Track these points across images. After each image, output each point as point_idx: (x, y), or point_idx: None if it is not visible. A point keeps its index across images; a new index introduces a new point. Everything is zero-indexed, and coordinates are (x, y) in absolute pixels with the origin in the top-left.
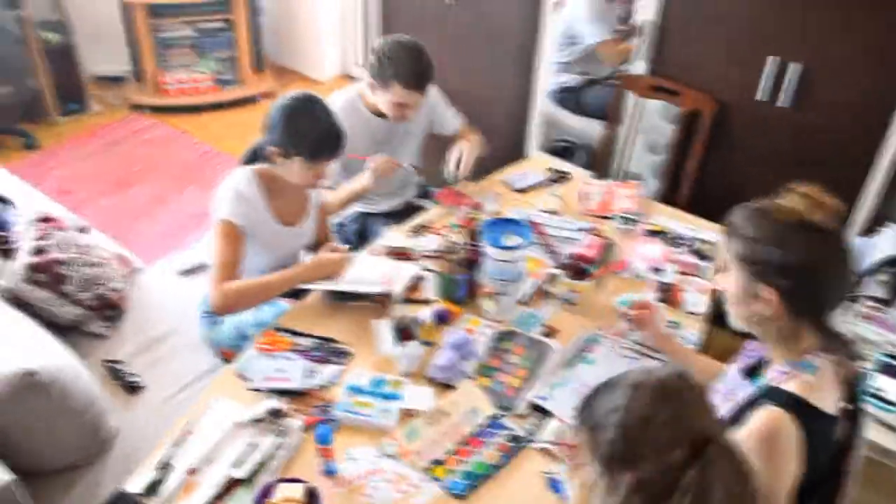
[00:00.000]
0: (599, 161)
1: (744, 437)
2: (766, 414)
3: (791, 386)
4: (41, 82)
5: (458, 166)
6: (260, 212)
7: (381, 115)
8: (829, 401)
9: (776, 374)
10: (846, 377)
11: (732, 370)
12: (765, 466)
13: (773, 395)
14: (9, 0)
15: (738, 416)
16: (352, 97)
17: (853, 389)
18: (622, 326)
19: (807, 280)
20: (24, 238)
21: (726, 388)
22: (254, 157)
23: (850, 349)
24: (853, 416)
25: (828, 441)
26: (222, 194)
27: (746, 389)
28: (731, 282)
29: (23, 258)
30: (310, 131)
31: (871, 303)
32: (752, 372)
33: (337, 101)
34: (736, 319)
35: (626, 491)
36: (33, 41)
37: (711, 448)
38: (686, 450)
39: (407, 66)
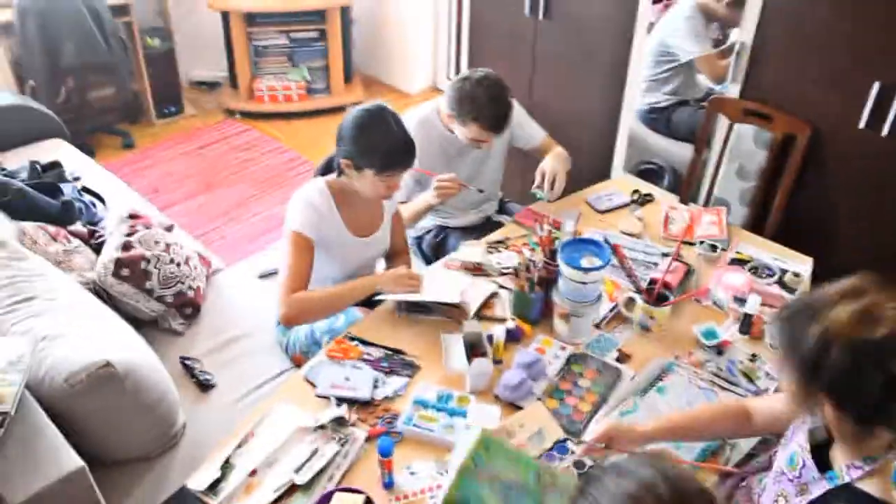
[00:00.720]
0: (686, 185)
1: None
2: None
3: (868, 487)
4: (142, 85)
5: (551, 185)
6: (332, 223)
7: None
8: None
9: (853, 472)
10: None
11: (804, 457)
12: None
13: (851, 497)
14: (118, 8)
15: None
16: (428, 113)
17: None
18: (699, 356)
19: (868, 397)
20: (114, 233)
21: (799, 479)
22: (328, 167)
23: None
24: None
25: None
26: (294, 205)
27: (821, 484)
28: (787, 382)
29: (110, 253)
30: (380, 144)
31: None
32: (823, 460)
33: (414, 117)
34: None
35: None
36: (138, 46)
37: None
38: None
39: (487, 110)
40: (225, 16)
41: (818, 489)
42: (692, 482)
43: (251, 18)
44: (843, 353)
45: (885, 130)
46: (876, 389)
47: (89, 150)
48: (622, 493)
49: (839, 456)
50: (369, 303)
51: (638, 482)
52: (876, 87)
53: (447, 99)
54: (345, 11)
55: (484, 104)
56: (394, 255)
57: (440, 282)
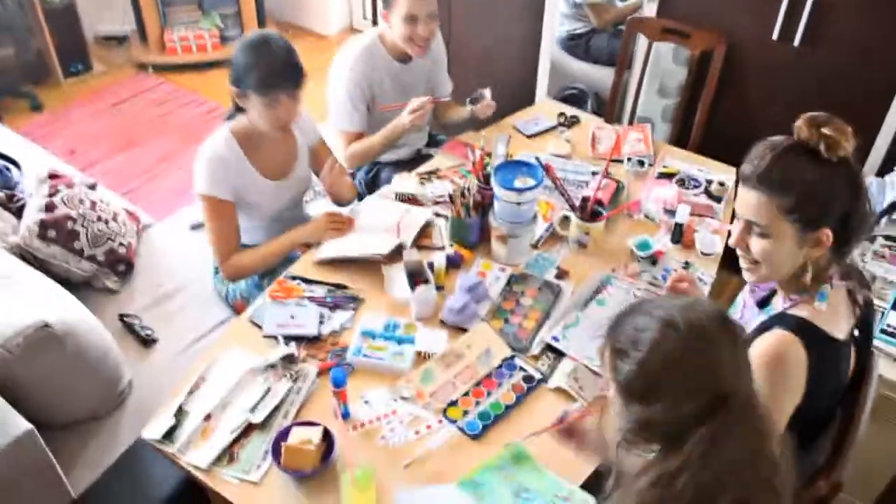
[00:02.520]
0: (609, 107)
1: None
2: (774, 336)
3: (801, 311)
4: (44, 43)
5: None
6: (242, 172)
7: (400, 59)
8: (839, 327)
9: (788, 302)
10: (859, 305)
11: (746, 300)
12: (769, 388)
13: (782, 320)
14: None
15: (749, 343)
16: (370, 42)
17: (864, 317)
18: (635, 267)
19: (856, 213)
20: (35, 195)
21: (741, 319)
22: (238, 110)
23: (861, 277)
24: (865, 345)
25: (836, 367)
26: (199, 165)
27: (758, 318)
28: (773, 242)
29: (33, 215)
30: (258, 60)
31: (886, 242)
32: (764, 303)
33: (356, 48)
34: (768, 276)
35: (635, 422)
36: (34, 2)
37: (728, 409)
38: (702, 405)
39: None
40: None
41: (755, 323)
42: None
43: None
44: (842, 173)
45: (797, 40)
46: (866, 203)
47: None
48: (674, 305)
49: (776, 300)
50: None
51: (687, 301)
52: None
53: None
54: None
55: None
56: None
57: (377, 214)
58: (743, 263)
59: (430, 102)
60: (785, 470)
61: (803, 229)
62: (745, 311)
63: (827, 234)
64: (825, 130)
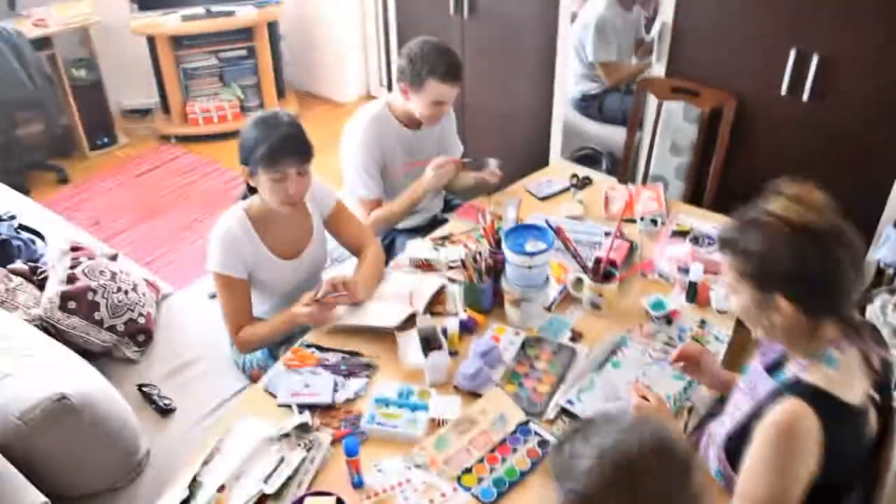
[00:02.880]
0: (623, 166)
1: (762, 429)
2: (786, 405)
3: (812, 378)
4: (71, 119)
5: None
6: (255, 252)
7: (409, 125)
8: (854, 392)
9: (797, 367)
10: (874, 366)
11: (754, 365)
12: (782, 459)
13: (794, 388)
14: (40, 41)
15: (759, 411)
16: (379, 110)
17: (883, 379)
18: (650, 328)
19: (817, 282)
20: (57, 267)
21: (748, 384)
22: (249, 191)
23: (877, 336)
24: (885, 408)
25: (854, 434)
26: (212, 244)
27: (768, 384)
28: (741, 299)
29: (55, 287)
30: (263, 138)
31: None
32: (774, 367)
33: (366, 116)
34: (755, 332)
35: None
36: (63, 79)
37: None
38: None
39: (440, 61)
40: (151, 41)
41: (766, 389)
42: (674, 437)
43: (178, 41)
44: (787, 246)
45: (805, 95)
46: (822, 273)
47: (23, 189)
48: (613, 431)
49: (788, 365)
50: None
51: (627, 426)
52: (793, 53)
53: (400, 73)
54: (272, 27)
55: (434, 56)
56: (358, 251)
57: (387, 285)
58: None
59: (454, 162)
60: None
61: (759, 293)
62: (754, 377)
63: (782, 302)
64: (783, 202)
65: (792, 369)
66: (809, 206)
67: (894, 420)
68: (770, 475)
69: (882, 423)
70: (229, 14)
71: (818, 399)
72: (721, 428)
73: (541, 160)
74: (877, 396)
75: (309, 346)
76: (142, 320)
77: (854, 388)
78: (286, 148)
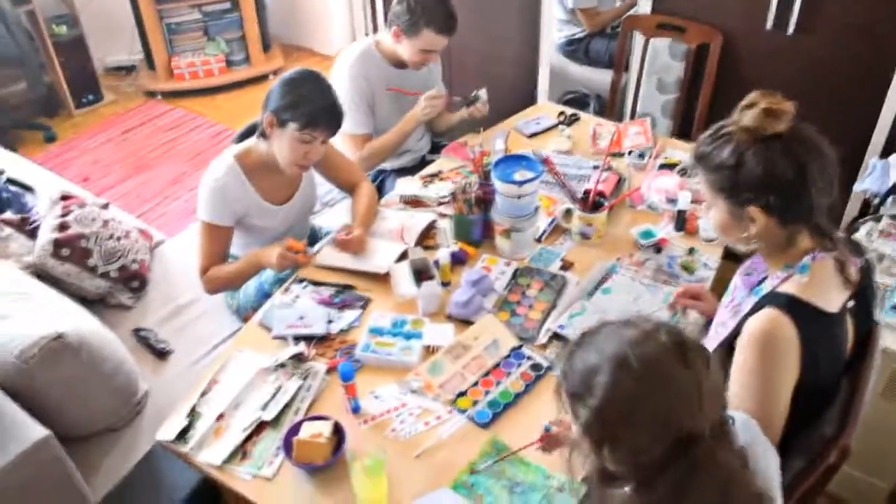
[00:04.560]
0: (610, 106)
1: (742, 342)
2: (763, 316)
3: (788, 288)
4: (55, 76)
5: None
6: (246, 198)
7: (396, 65)
8: (831, 300)
9: (775, 280)
10: (849, 276)
11: (738, 283)
12: (764, 368)
13: (771, 299)
14: None
15: (741, 326)
16: (367, 47)
17: (861, 288)
18: (639, 256)
19: (787, 189)
20: (47, 216)
21: (731, 302)
22: (250, 132)
23: (854, 246)
24: (863, 314)
25: (830, 339)
26: (202, 192)
27: (750, 301)
28: (717, 213)
29: (46, 234)
30: (309, 97)
31: (892, 220)
32: (757, 286)
33: (353, 52)
34: (733, 244)
35: (602, 467)
36: (44, 36)
37: (695, 448)
38: (667, 447)
39: (438, 12)
40: None
41: (747, 306)
42: (688, 335)
43: None
44: (756, 155)
45: (791, 28)
46: (791, 179)
47: (10, 146)
48: (626, 338)
49: (767, 281)
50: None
51: (640, 330)
52: None
53: (394, 16)
54: None
55: (433, 7)
56: (351, 189)
57: (378, 223)
58: None
59: (445, 97)
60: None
61: (733, 205)
62: (736, 294)
63: (755, 212)
64: (750, 113)
65: (770, 283)
66: (777, 115)
67: (875, 328)
68: (755, 384)
69: (858, 332)
70: None
71: (793, 307)
72: (707, 344)
73: (528, 105)
74: (851, 304)
75: (302, 280)
76: (135, 266)
77: (830, 297)
78: (326, 115)
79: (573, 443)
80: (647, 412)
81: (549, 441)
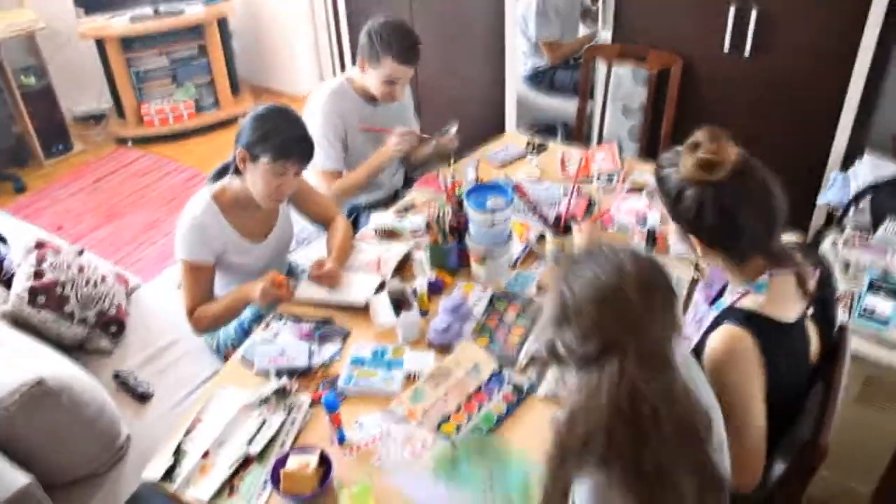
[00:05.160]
0: (577, 134)
1: (708, 356)
2: (723, 332)
3: (745, 303)
4: (24, 126)
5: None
6: (223, 236)
7: (369, 100)
8: (788, 310)
9: (733, 296)
10: (807, 287)
11: (698, 298)
12: (733, 381)
13: (730, 315)
14: None
15: (704, 341)
16: (339, 84)
17: (822, 296)
18: None
19: (716, 231)
20: (22, 264)
21: (695, 317)
22: (223, 172)
23: (812, 256)
24: (825, 320)
25: (790, 348)
26: (180, 232)
27: (711, 315)
28: (674, 236)
29: (22, 283)
30: (279, 131)
31: (855, 230)
32: (716, 300)
33: (326, 89)
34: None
35: (556, 345)
36: (12, 87)
37: (608, 361)
38: (598, 348)
39: (398, 42)
40: (100, 44)
41: (709, 320)
42: (661, 277)
43: (127, 43)
44: (691, 196)
45: (747, 51)
46: (719, 225)
47: None
48: (610, 261)
49: (726, 295)
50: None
51: (625, 258)
52: (732, 10)
53: (359, 48)
54: (222, 23)
55: (392, 36)
56: (327, 224)
57: (354, 256)
58: None
59: (415, 133)
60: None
61: (678, 230)
62: (698, 309)
63: (694, 240)
64: (691, 159)
65: (728, 299)
66: (713, 166)
67: (845, 333)
68: (728, 398)
69: (824, 337)
70: (178, 13)
71: (752, 321)
72: None
73: (496, 136)
74: (810, 311)
75: (281, 316)
76: (113, 311)
77: (787, 307)
78: (298, 147)
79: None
80: (591, 317)
81: None
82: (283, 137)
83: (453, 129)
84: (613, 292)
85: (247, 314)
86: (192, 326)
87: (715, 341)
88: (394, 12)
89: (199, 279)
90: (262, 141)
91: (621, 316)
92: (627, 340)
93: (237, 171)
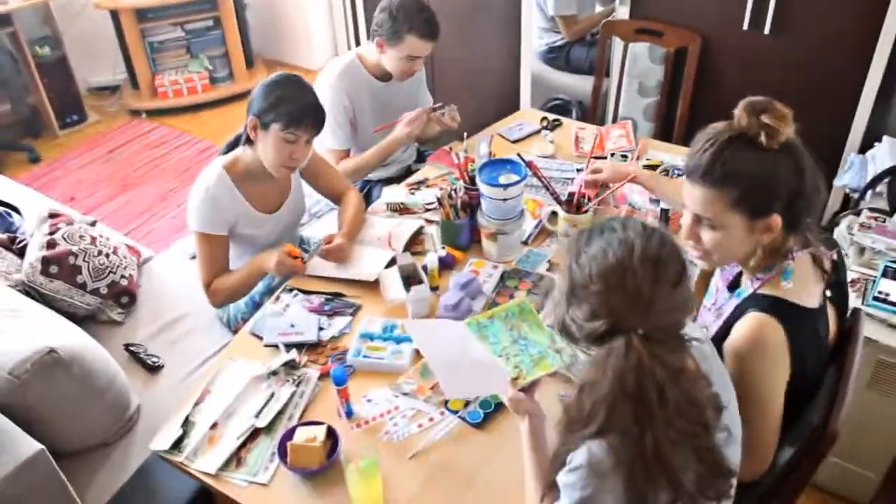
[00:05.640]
0: (592, 112)
1: (733, 345)
2: (751, 320)
3: (771, 290)
4: (38, 97)
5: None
6: (236, 207)
7: (380, 77)
8: (811, 295)
9: (756, 283)
10: (824, 268)
11: (719, 285)
12: (758, 371)
13: (756, 302)
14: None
15: (727, 330)
16: (350, 61)
17: (836, 277)
18: None
19: (809, 195)
20: (36, 234)
21: (713, 303)
22: (234, 144)
23: (829, 239)
24: (841, 303)
25: (815, 334)
26: (192, 203)
27: (731, 302)
28: (723, 233)
29: (35, 252)
30: (291, 96)
31: (871, 214)
32: (734, 285)
33: (336, 67)
34: (720, 261)
35: (567, 322)
36: (27, 57)
37: (620, 339)
38: (606, 328)
39: (420, 18)
40: (115, 15)
41: (730, 308)
42: (671, 250)
43: (142, 14)
44: (786, 161)
45: (767, 28)
46: (811, 188)
47: None
48: (621, 238)
49: (744, 280)
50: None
51: (635, 234)
52: None
53: (376, 26)
54: None
55: (415, 13)
56: (339, 198)
57: (365, 231)
58: (694, 253)
59: (426, 112)
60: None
61: (751, 218)
62: (718, 297)
63: (776, 220)
64: (764, 118)
65: (749, 285)
66: (785, 120)
67: (858, 320)
68: (751, 389)
69: (839, 321)
70: None
71: (778, 308)
72: None
73: (511, 112)
74: (829, 294)
75: (291, 289)
76: (124, 282)
77: (810, 292)
78: (309, 114)
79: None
80: (599, 293)
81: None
82: (295, 104)
83: (452, 107)
84: (621, 267)
85: (258, 287)
86: (209, 299)
87: (742, 329)
88: None
89: (214, 251)
90: (274, 108)
91: (628, 292)
92: (635, 316)
93: (249, 141)
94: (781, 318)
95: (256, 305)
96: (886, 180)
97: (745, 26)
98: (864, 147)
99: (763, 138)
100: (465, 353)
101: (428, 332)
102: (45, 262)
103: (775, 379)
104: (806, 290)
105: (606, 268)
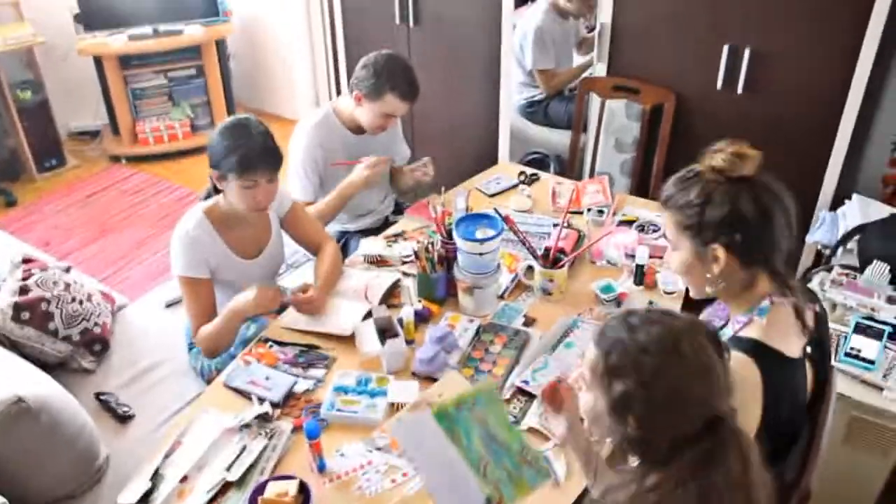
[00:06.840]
0: (570, 167)
1: None
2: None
3: (750, 332)
4: (18, 141)
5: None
6: (216, 251)
7: (354, 130)
8: (791, 345)
9: (737, 325)
10: (805, 322)
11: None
12: None
13: (735, 343)
14: None
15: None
16: (325, 113)
17: (817, 334)
18: (601, 311)
19: (749, 228)
20: (8, 279)
21: None
22: (216, 190)
23: (808, 294)
24: (821, 360)
25: (791, 384)
26: (174, 247)
27: None
28: (681, 254)
29: (7, 298)
30: (239, 145)
31: (842, 270)
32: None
33: (310, 121)
34: (694, 288)
35: (622, 439)
36: (8, 101)
37: (724, 428)
38: (698, 427)
39: (403, 79)
40: (98, 61)
41: None
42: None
43: (125, 61)
44: (723, 194)
45: (740, 88)
46: (755, 219)
47: None
48: (675, 327)
49: (731, 323)
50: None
51: (685, 321)
52: (726, 48)
53: (357, 80)
54: (220, 45)
55: (398, 73)
56: (317, 250)
57: (342, 283)
58: (682, 281)
59: (385, 162)
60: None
61: (698, 244)
62: None
63: (718, 250)
64: (720, 155)
65: (731, 328)
66: (745, 159)
67: (831, 373)
68: None
69: (817, 378)
70: (177, 33)
71: (757, 351)
72: None
73: (490, 165)
74: (809, 350)
75: (267, 340)
76: (97, 330)
77: (790, 342)
78: (259, 157)
79: (587, 412)
80: (690, 395)
81: (551, 396)
82: (244, 151)
83: (424, 161)
84: (700, 358)
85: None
86: (199, 346)
87: None
88: (392, 41)
89: (199, 295)
90: (226, 158)
91: (714, 379)
92: (726, 404)
93: (217, 190)
94: (758, 361)
95: (231, 356)
96: (856, 237)
97: (719, 86)
98: (835, 204)
99: (716, 172)
100: (451, 463)
101: (415, 438)
102: (17, 308)
103: (744, 418)
104: (786, 339)
105: (686, 366)
